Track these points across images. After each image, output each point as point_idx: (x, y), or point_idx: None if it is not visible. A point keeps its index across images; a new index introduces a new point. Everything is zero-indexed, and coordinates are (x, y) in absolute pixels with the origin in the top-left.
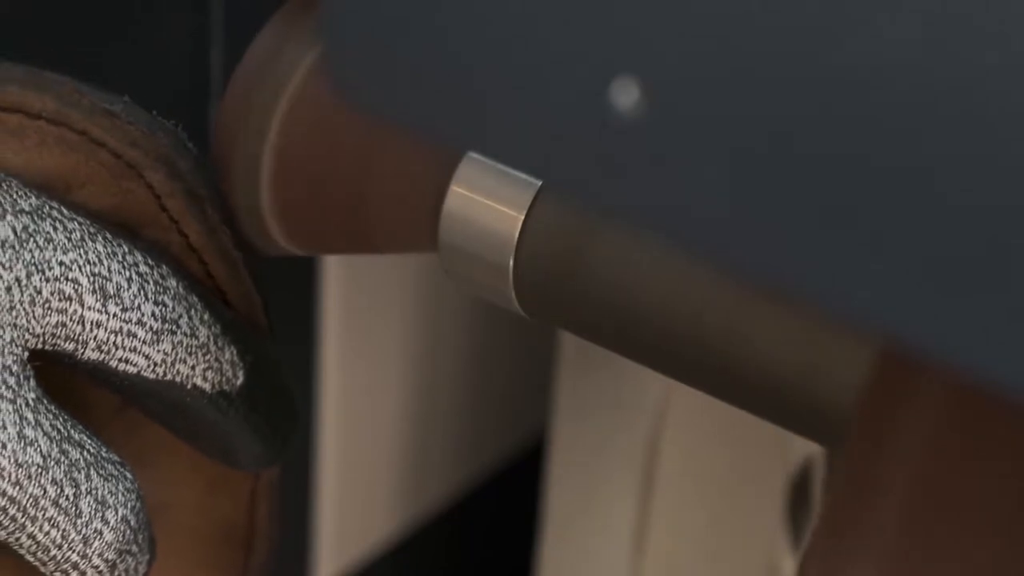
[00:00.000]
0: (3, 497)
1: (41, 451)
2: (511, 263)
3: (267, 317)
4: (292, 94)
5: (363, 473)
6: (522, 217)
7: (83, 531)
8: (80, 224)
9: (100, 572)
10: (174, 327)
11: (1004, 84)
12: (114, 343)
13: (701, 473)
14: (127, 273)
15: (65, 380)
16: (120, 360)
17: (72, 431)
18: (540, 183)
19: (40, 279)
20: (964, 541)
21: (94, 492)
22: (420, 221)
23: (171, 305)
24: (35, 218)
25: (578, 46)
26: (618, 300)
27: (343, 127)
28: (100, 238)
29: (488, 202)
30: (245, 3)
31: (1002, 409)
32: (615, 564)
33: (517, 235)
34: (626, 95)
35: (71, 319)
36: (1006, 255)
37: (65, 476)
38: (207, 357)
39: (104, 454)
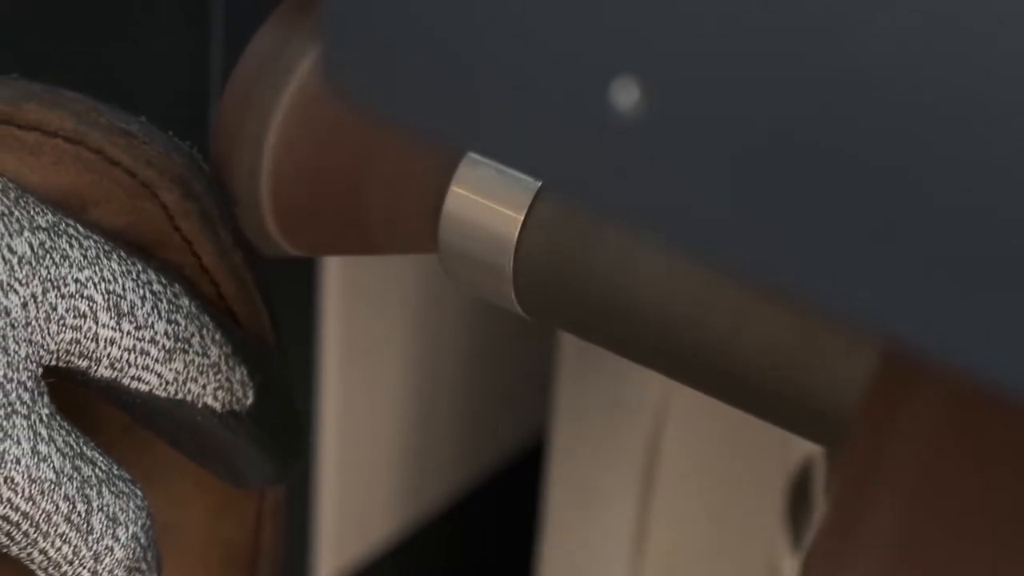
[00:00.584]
0: (16, 512)
1: (54, 467)
2: (511, 263)
3: (277, 338)
4: (291, 94)
5: (363, 473)
6: (522, 217)
7: (94, 547)
8: (95, 242)
9: None
10: (186, 346)
11: (1004, 85)
12: (127, 361)
13: (701, 473)
14: (141, 291)
15: (75, 398)
16: (132, 378)
17: (84, 448)
18: (540, 183)
19: (56, 296)
20: (965, 541)
21: (106, 509)
22: (420, 221)
23: (184, 324)
24: (52, 235)
25: (578, 46)
26: (618, 300)
27: (342, 127)
28: (115, 256)
29: (488, 202)
30: (245, 3)
31: (1002, 409)
32: (615, 564)
33: (517, 235)
34: (626, 95)
35: (85, 336)
36: (1006, 255)
37: (77, 492)
38: (218, 376)
39: (115, 471)
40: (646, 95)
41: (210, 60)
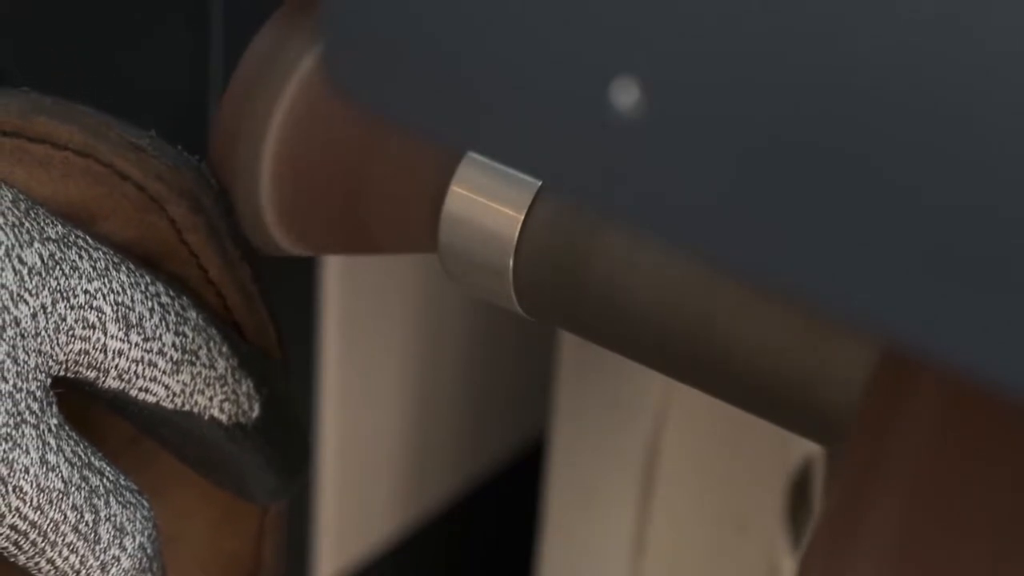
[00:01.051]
0: (24, 521)
1: (63, 477)
2: (511, 263)
3: (283, 352)
4: (291, 94)
5: (363, 473)
6: (522, 217)
7: (101, 557)
8: (104, 254)
9: None
10: (193, 358)
11: (1003, 86)
12: (135, 372)
13: (701, 473)
14: (149, 303)
15: (80, 410)
16: (140, 389)
17: (92, 458)
18: (540, 183)
19: (65, 307)
20: (965, 541)
21: (113, 519)
22: (420, 221)
23: (191, 336)
24: (61, 246)
25: (578, 46)
26: (618, 300)
27: (343, 127)
28: (124, 268)
29: (488, 202)
30: (245, 3)
31: (1002, 409)
32: (615, 564)
33: (517, 235)
34: (626, 95)
35: (94, 347)
36: (1006, 255)
37: (85, 502)
38: (224, 389)
39: (122, 482)
40: (646, 95)
41: (210, 60)
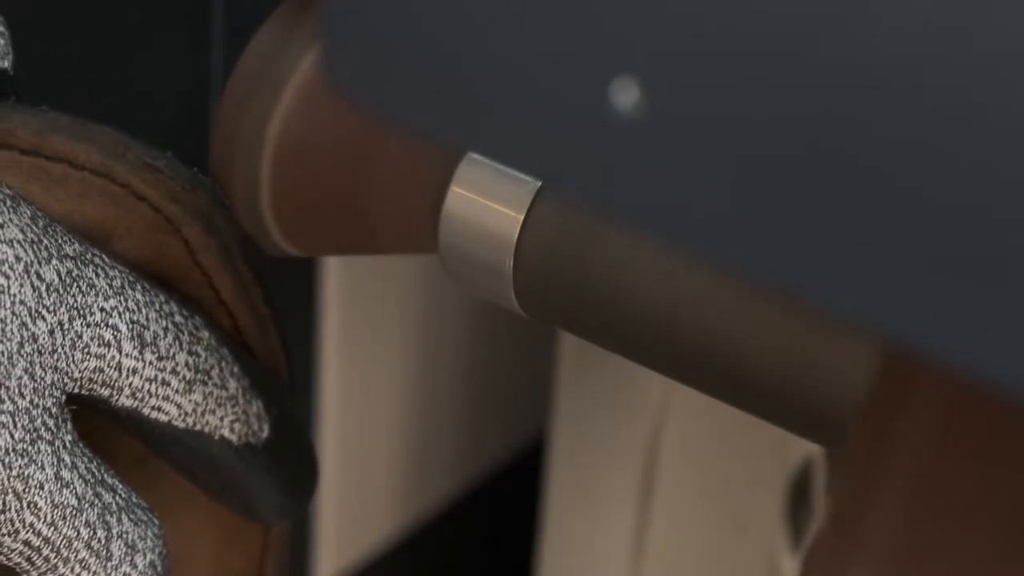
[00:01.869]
0: (38, 537)
1: (76, 493)
2: (511, 263)
3: (290, 373)
4: (291, 94)
5: (363, 473)
6: (522, 217)
7: (112, 574)
8: (120, 272)
9: None
10: (206, 378)
11: (1001, 86)
12: (148, 391)
13: (701, 473)
14: (164, 322)
15: (88, 429)
16: (153, 408)
17: (105, 475)
18: (540, 183)
19: (81, 324)
20: (966, 541)
21: (125, 536)
22: (420, 221)
23: (204, 356)
24: (79, 263)
25: (578, 46)
26: (618, 300)
27: (342, 127)
28: (139, 287)
29: (488, 202)
30: (245, 3)
31: (1002, 409)
32: (615, 564)
33: (517, 235)
34: (626, 95)
35: (109, 365)
36: (1006, 255)
37: (98, 519)
38: (235, 409)
39: (134, 499)
40: (646, 95)
41: (210, 60)
